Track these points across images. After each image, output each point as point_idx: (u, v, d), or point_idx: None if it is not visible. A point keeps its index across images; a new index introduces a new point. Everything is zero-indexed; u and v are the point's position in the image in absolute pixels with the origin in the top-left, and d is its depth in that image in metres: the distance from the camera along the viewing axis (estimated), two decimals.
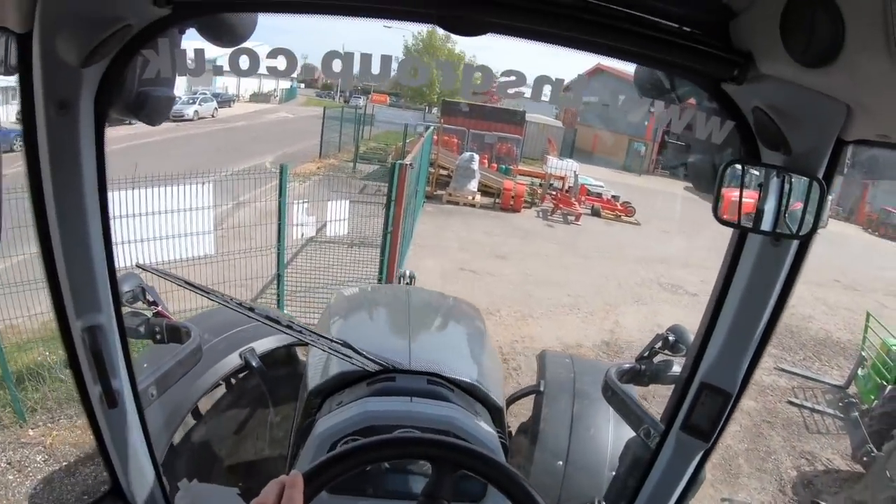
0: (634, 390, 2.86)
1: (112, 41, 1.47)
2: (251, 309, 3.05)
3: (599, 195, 24.06)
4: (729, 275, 1.96)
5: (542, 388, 3.92)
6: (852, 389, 10.90)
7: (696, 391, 2.06)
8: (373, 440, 1.87)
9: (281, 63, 1.57)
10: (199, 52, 1.59)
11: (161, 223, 7.36)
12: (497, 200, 20.66)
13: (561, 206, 21.10)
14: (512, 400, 4.19)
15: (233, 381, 3.90)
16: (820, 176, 1.63)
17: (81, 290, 1.83)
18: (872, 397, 9.91)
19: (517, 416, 4.47)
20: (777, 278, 1.86)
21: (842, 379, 11.10)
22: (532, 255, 15.18)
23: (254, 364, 3.59)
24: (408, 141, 22.78)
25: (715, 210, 1.74)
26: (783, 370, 10.94)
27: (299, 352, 4.17)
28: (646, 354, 2.72)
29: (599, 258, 16.30)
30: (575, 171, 24.05)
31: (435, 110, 40.34)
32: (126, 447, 2.12)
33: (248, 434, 3.90)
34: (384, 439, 1.89)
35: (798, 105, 1.57)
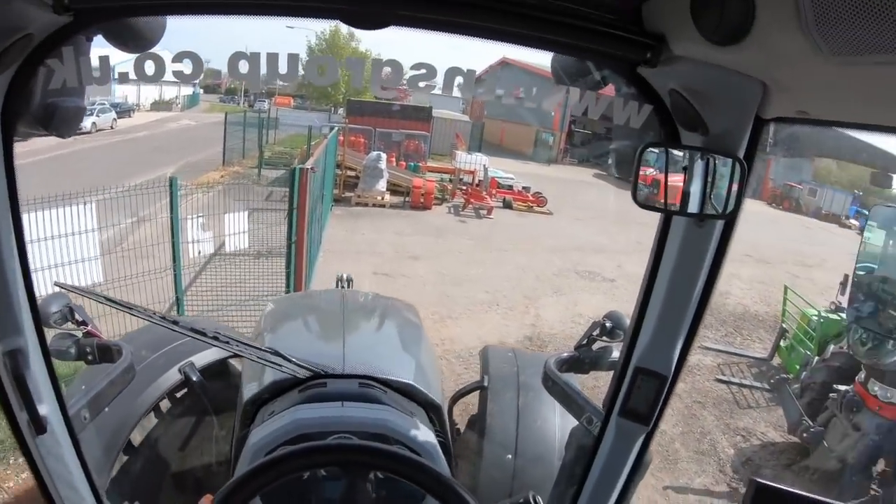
0: (576, 379, 2.91)
1: (13, 51, 1.43)
2: (176, 323, 2.99)
3: (510, 187, 23.95)
4: (657, 259, 1.96)
5: (485, 384, 3.93)
6: (776, 361, 11.12)
7: (632, 376, 2.09)
8: (276, 455, 1.84)
9: (187, 67, 1.56)
10: (104, 59, 1.54)
11: (40, 252, 6.58)
12: (407, 199, 20.17)
13: (472, 200, 20.84)
14: (456, 397, 4.20)
15: (176, 396, 3.75)
16: (741, 155, 1.66)
17: None
18: (797, 366, 10.11)
19: (466, 412, 4.44)
20: (704, 259, 1.87)
21: (765, 351, 11.31)
22: (446, 252, 14.83)
23: (194, 378, 3.49)
24: (313, 143, 21.99)
25: (634, 195, 1.72)
26: (707, 348, 10.98)
27: (238, 363, 3.96)
28: (584, 342, 2.77)
29: (515, 251, 16.07)
30: (484, 165, 23.96)
31: (341, 111, 39.67)
32: (60, 474, 2.04)
33: (192, 450, 3.77)
34: (289, 452, 1.86)
35: (714, 85, 1.59)
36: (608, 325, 2.72)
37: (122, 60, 1.60)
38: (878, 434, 7.04)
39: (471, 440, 3.89)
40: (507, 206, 22.21)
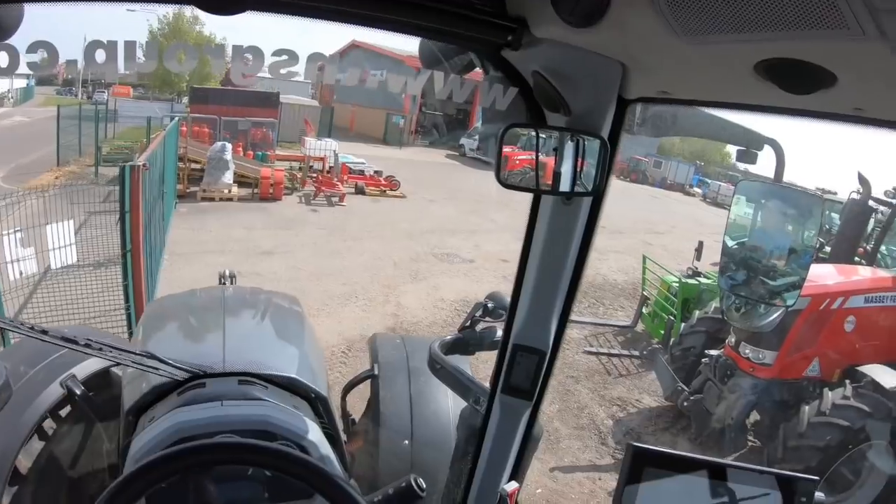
0: (468, 362, 3.10)
1: None
2: (45, 332, 2.78)
3: (362, 172, 23.56)
4: (528, 237, 2.02)
5: (376, 372, 3.96)
6: (640, 327, 11.76)
7: (512, 353, 2.15)
8: (134, 470, 1.77)
9: (41, 56, 1.44)
10: None
11: None
12: (256, 191, 19.29)
13: (323, 188, 20.30)
14: (348, 388, 4.21)
15: (60, 413, 3.44)
16: (605, 135, 1.72)
17: None
18: (661, 332, 10.80)
19: (361, 402, 4.37)
20: (573, 236, 1.94)
21: (628, 319, 11.85)
22: (299, 245, 14.33)
23: (77, 392, 3.24)
24: (154, 136, 20.36)
25: (497, 174, 1.75)
26: (572, 321, 11.11)
27: (121, 370, 3.68)
28: (467, 324, 2.82)
29: (370, 238, 15.81)
30: (334, 151, 23.42)
31: (185, 100, 37.71)
32: None
33: (83, 467, 3.53)
34: (148, 462, 1.80)
35: (574, 66, 1.63)
36: (490, 305, 2.76)
37: None
38: (754, 393, 7.57)
39: (366, 429, 3.91)
40: (359, 191, 21.87)
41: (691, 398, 8.02)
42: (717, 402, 7.84)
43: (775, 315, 7.37)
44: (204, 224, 15.16)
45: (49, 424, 3.41)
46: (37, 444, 3.37)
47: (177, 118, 19.89)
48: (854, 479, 6.85)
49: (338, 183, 20.92)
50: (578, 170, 1.73)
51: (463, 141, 38.24)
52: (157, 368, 2.83)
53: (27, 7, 1.46)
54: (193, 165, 19.47)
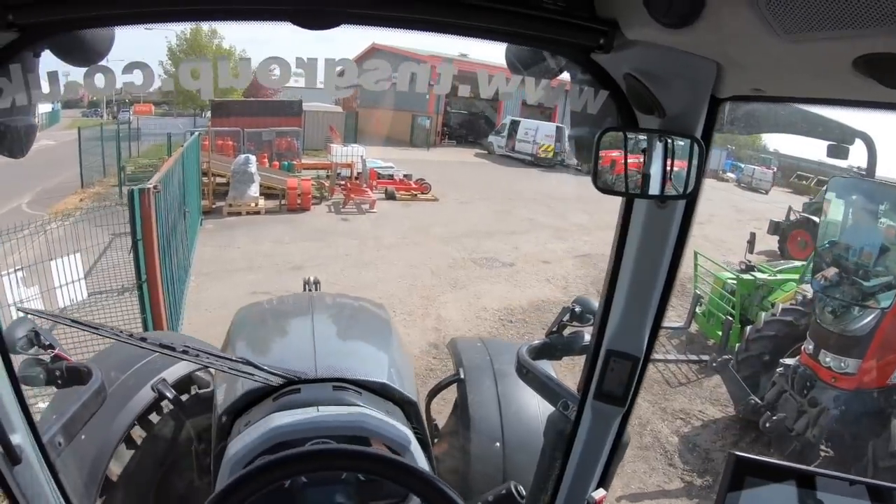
0: (550, 365, 3.02)
1: None
2: (144, 339, 2.94)
3: (391, 176, 23.09)
4: (621, 241, 2.00)
5: (461, 376, 3.93)
6: (693, 327, 11.10)
7: (605, 359, 2.13)
8: (249, 470, 1.84)
9: (137, 77, 1.45)
10: (53, 75, 1.47)
11: None
12: (283, 202, 18.67)
13: (352, 195, 19.65)
14: (434, 393, 4.22)
15: (150, 417, 3.62)
16: (698, 135, 1.71)
17: None
18: (718, 332, 10.18)
19: (446, 407, 4.39)
20: (667, 239, 1.92)
21: (679, 319, 11.03)
22: (331, 257, 13.67)
23: (168, 395, 3.37)
24: (174, 153, 19.88)
25: (595, 179, 1.73)
26: None
27: (207, 375, 3.88)
28: (555, 329, 2.77)
29: (404, 245, 15.15)
30: (361, 156, 22.86)
31: (208, 114, 37.59)
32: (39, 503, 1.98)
33: (175, 468, 3.63)
34: (264, 464, 1.85)
35: (667, 67, 1.62)
36: (577, 309, 2.69)
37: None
38: (837, 406, 6.89)
39: (454, 433, 3.86)
40: (389, 196, 21.24)
41: (773, 419, 7.29)
42: (796, 416, 7.21)
43: (870, 318, 6.94)
44: (231, 240, 14.59)
45: (140, 428, 3.56)
46: (131, 444, 3.52)
47: (197, 133, 19.27)
48: None
49: (367, 189, 20.31)
50: (669, 172, 1.68)
51: (491, 139, 37.94)
52: (251, 374, 2.90)
53: (129, 29, 1.47)
54: (219, 180, 18.93)
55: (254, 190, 18.11)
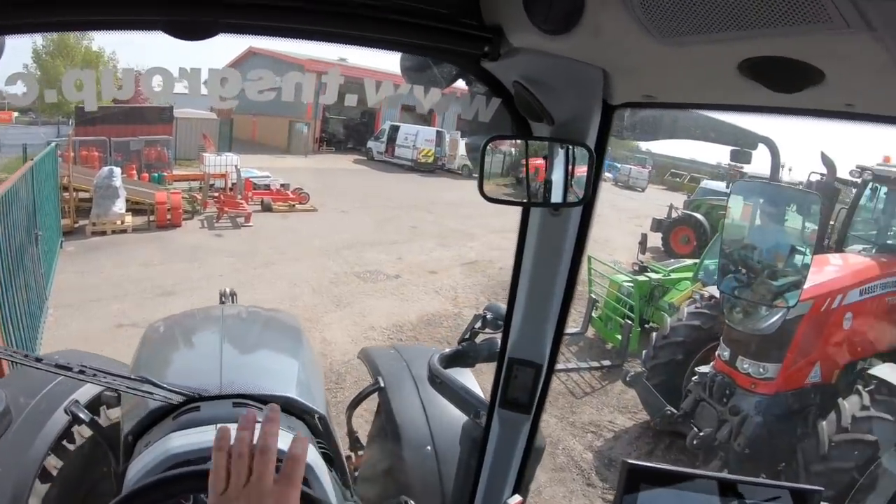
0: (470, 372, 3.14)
1: None
2: (40, 360, 2.80)
3: (267, 186, 22.25)
4: (519, 249, 2.02)
5: (381, 384, 3.96)
6: (590, 332, 11.36)
7: (508, 367, 2.15)
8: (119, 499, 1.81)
9: (20, 88, 1.51)
10: None
11: None
12: (152, 218, 17.41)
13: (226, 209, 18.68)
14: (354, 404, 4.23)
15: (64, 442, 3.47)
16: (591, 143, 1.72)
17: None
18: (617, 336, 10.53)
19: (366, 418, 4.51)
20: (563, 245, 1.92)
21: (576, 325, 11.01)
22: (204, 279, 12.80)
23: (82, 417, 3.21)
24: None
25: (481, 188, 1.71)
26: None
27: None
28: (467, 336, 2.79)
29: (283, 262, 14.50)
30: (236, 166, 21.90)
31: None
32: None
33: (93, 492, 3.58)
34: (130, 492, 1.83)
35: (554, 74, 1.62)
36: (489, 316, 2.72)
37: None
38: (759, 412, 7.00)
39: (381, 441, 3.87)
40: (266, 208, 20.46)
41: (700, 435, 7.32)
42: (717, 425, 7.22)
43: (777, 317, 7.14)
44: (94, 264, 13.40)
45: (56, 457, 3.40)
46: (45, 479, 3.32)
47: (54, 144, 17.73)
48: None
49: (242, 202, 19.40)
50: (569, 179, 1.69)
51: (370, 144, 37.89)
52: (151, 393, 2.83)
53: None
54: (83, 195, 17.41)
55: (119, 206, 16.74)
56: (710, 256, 11.17)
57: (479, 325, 2.75)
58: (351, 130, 43.31)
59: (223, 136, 31.87)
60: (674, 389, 8.21)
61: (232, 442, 1.33)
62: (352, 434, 4.27)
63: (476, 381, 3.26)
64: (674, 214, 20.55)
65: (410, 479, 3.45)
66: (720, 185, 23.28)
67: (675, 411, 7.68)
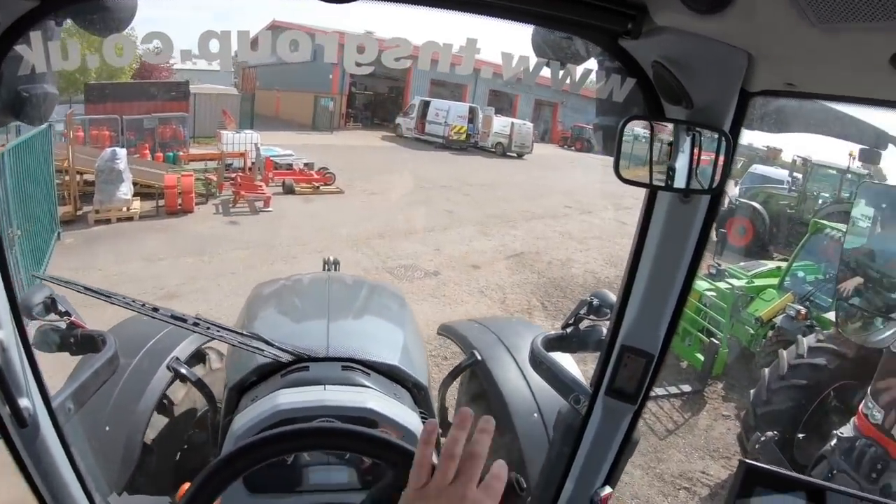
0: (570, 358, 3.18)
1: None
2: (156, 310, 2.93)
3: (290, 166, 20.73)
4: (642, 235, 1.99)
5: (478, 357, 3.83)
6: None
7: (618, 354, 2.11)
8: (233, 451, 1.72)
9: (156, 45, 1.50)
10: (73, 44, 1.50)
11: None
12: (161, 203, 15.65)
13: (243, 192, 16.85)
14: (450, 378, 4.06)
15: (170, 394, 3.71)
16: (726, 129, 1.66)
17: None
18: (698, 355, 9.17)
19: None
20: (689, 234, 1.90)
21: None
22: (213, 276, 11.09)
23: (184, 372, 3.32)
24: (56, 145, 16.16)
25: (616, 169, 1.71)
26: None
27: (213, 351, 4.13)
28: (571, 321, 2.79)
29: (304, 255, 12.66)
30: (255, 144, 20.60)
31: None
32: (45, 467, 2.04)
33: (186, 441, 3.79)
34: (250, 443, 1.74)
35: (697, 56, 1.58)
36: (595, 303, 2.71)
37: None
38: None
39: (484, 413, 2.84)
40: (288, 190, 18.74)
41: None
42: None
43: (892, 331, 6.64)
44: (92, 260, 11.72)
45: (162, 410, 3.62)
46: (157, 422, 3.54)
47: (47, 124, 15.94)
48: None
49: (261, 183, 17.70)
50: (695, 165, 1.66)
51: (399, 120, 36.77)
52: (262, 350, 2.93)
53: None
54: (89, 177, 15.70)
55: (124, 191, 15.00)
56: (799, 262, 9.85)
57: (584, 311, 2.70)
58: (379, 105, 42.27)
59: (244, 112, 30.70)
60: (787, 443, 6.87)
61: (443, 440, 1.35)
62: (444, 410, 4.13)
63: (577, 368, 3.10)
64: (726, 203, 18.95)
65: (515, 452, 3.37)
66: (771, 171, 22.21)
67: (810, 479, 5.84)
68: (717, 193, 1.73)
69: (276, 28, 32.04)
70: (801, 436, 6.86)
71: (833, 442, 5.95)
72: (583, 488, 2.30)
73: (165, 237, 13.59)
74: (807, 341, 7.23)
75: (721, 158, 1.61)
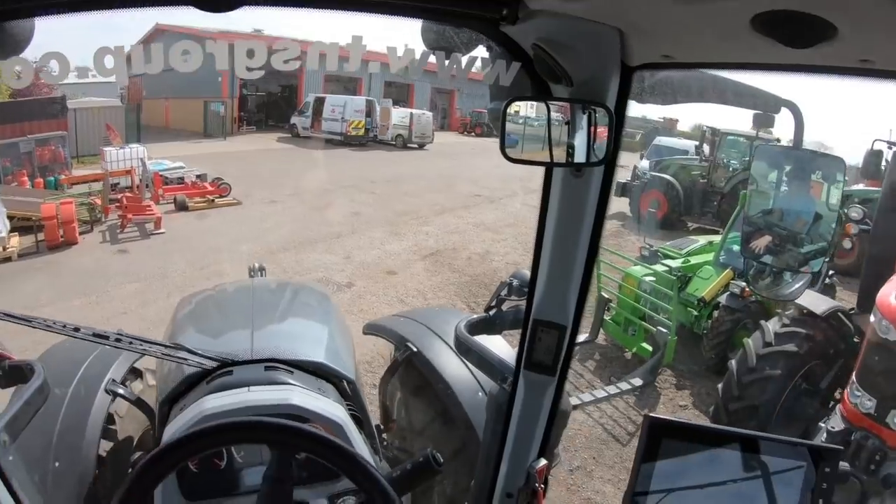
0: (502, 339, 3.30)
1: None
2: (77, 329, 2.94)
3: (181, 180, 19.47)
4: (543, 212, 2.05)
5: (413, 348, 3.94)
6: (601, 337, 9.79)
7: (532, 329, 2.18)
8: (155, 451, 1.86)
9: (54, 67, 1.41)
10: None
11: None
12: (42, 237, 13.86)
13: (129, 215, 15.35)
14: (391, 373, 4.24)
15: (113, 418, 3.65)
16: (610, 104, 1.72)
17: None
18: (645, 345, 9.06)
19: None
20: (585, 207, 1.96)
21: (584, 331, 9.38)
22: (104, 319, 9.74)
23: (122, 393, 3.43)
24: None
25: (502, 149, 1.76)
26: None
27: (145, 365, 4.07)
28: (493, 304, 2.88)
29: (201, 279, 11.43)
30: (141, 159, 18.99)
31: None
32: None
33: (133, 464, 3.60)
34: (162, 449, 1.87)
35: (572, 36, 1.63)
36: (515, 283, 2.77)
37: None
38: None
39: (429, 401, 3.92)
40: (181, 207, 17.41)
41: None
42: (859, 497, 5.18)
43: (800, 283, 7.23)
44: None
45: (107, 435, 3.49)
46: (103, 457, 3.42)
47: None
48: None
49: (150, 203, 16.36)
50: (592, 140, 1.71)
51: (294, 120, 36.00)
52: (185, 359, 3.03)
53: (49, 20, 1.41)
54: None
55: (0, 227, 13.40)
56: (731, 234, 9.65)
57: (504, 292, 2.78)
58: (272, 106, 41.34)
59: (130, 124, 29.07)
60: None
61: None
62: (385, 406, 4.25)
63: (509, 347, 3.15)
64: (638, 179, 19.12)
65: (469, 432, 3.45)
66: (675, 142, 22.58)
67: None
68: (607, 165, 1.80)
69: (161, 33, 30.90)
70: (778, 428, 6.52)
71: (823, 437, 5.64)
72: (518, 463, 2.37)
73: (46, 278, 12.18)
74: (772, 327, 6.93)
75: (605, 132, 1.68)
